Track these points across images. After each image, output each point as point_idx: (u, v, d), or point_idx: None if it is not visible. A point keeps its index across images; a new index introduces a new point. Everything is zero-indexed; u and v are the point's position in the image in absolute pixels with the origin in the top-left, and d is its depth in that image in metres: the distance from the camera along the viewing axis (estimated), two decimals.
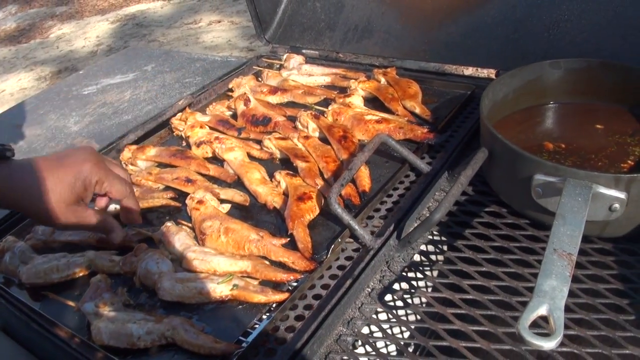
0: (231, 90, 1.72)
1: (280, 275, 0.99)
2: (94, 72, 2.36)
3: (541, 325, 0.72)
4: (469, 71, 1.60)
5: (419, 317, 0.93)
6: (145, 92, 2.04)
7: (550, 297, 0.67)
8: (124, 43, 9.22)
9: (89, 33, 10.37)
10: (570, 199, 0.87)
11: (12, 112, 2.21)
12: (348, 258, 1.04)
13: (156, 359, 0.91)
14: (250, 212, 1.21)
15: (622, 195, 0.93)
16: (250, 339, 0.90)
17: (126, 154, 1.41)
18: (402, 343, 0.89)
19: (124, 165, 1.42)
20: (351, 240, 1.08)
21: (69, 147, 1.78)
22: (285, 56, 1.84)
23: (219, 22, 9.02)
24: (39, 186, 0.96)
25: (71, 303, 1.03)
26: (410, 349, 0.88)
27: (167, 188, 1.29)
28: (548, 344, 0.63)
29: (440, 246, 1.09)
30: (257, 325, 0.93)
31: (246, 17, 9.05)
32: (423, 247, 1.09)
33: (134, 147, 1.43)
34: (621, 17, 1.44)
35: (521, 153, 1.02)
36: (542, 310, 0.66)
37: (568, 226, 0.81)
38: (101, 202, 1.10)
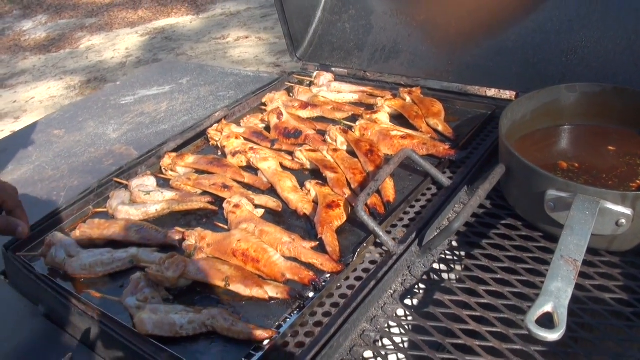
0: (264, 104, 1.82)
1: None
2: (131, 84, 2.49)
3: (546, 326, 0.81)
4: (490, 92, 1.68)
5: (437, 317, 1.01)
6: (181, 104, 2.15)
7: (556, 296, 0.76)
8: (153, 55, 9.40)
9: (118, 45, 10.56)
10: (579, 212, 0.95)
11: (51, 118, 2.34)
12: (372, 262, 1.13)
13: (197, 345, 1.01)
14: (282, 218, 1.30)
15: (628, 211, 1.01)
16: (282, 330, 0.99)
17: (166, 160, 1.52)
18: (420, 340, 0.97)
19: (163, 171, 1.52)
20: (376, 246, 1.17)
21: (108, 153, 1.89)
22: (315, 73, 1.94)
23: (247, 37, 9.18)
24: None
25: (114, 297, 1.13)
26: (428, 346, 0.97)
27: (205, 193, 1.39)
28: (552, 336, 0.71)
29: (458, 254, 1.17)
30: (288, 319, 1.02)
31: (273, 34, 9.18)
32: (442, 255, 1.18)
33: (173, 154, 1.54)
34: (635, 45, 1.52)
35: (536, 170, 1.10)
36: (548, 308, 0.75)
37: (575, 236, 0.89)
38: None
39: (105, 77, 9.08)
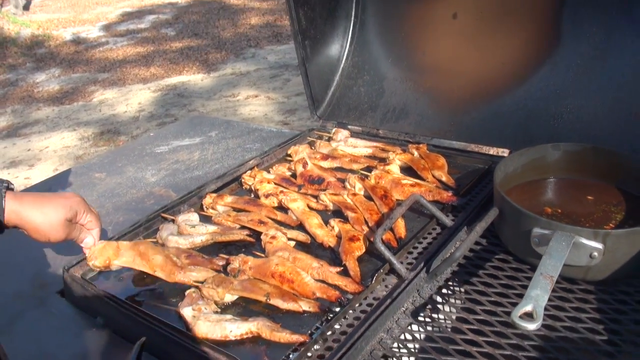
0: (289, 155, 2.08)
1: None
2: (164, 135, 2.75)
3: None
4: (487, 150, 1.93)
5: (441, 329, 1.23)
6: (212, 154, 2.41)
7: (535, 300, 0.98)
8: (166, 111, 9.71)
9: (131, 99, 10.86)
10: (557, 243, 1.19)
11: (91, 163, 2.59)
12: (387, 285, 1.35)
13: (244, 347, 1.22)
14: (310, 249, 1.53)
15: (599, 245, 1.24)
16: (314, 336, 1.21)
17: (207, 199, 1.76)
18: (429, 346, 1.18)
19: (205, 209, 1.76)
20: (390, 273, 1.39)
21: (149, 194, 2.13)
22: (334, 130, 2.20)
23: (256, 96, 9.54)
24: (46, 209, 1.35)
25: (171, 307, 1.35)
26: (435, 351, 1.18)
27: (243, 227, 1.63)
28: (531, 326, 0.93)
29: (459, 280, 1.39)
30: (318, 328, 1.24)
31: (281, 94, 9.55)
32: (446, 281, 1.40)
33: (214, 195, 1.78)
34: (613, 110, 1.79)
35: (524, 211, 1.34)
36: (529, 307, 0.97)
37: (552, 259, 1.12)
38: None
39: (119, 130, 9.32)
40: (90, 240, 1.48)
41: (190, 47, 14.76)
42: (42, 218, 1.34)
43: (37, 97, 12.29)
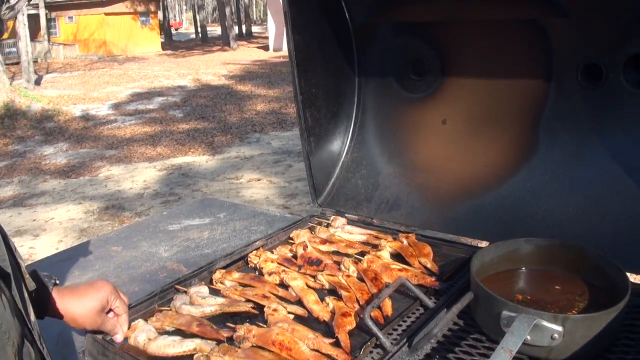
0: (291, 238, 2.30)
1: None
2: (176, 214, 2.98)
3: None
4: (469, 241, 2.15)
5: None
6: (220, 234, 2.63)
7: None
8: (170, 189, 9.95)
9: (136, 177, 11.12)
10: (519, 323, 1.39)
11: (107, 237, 2.80)
12: (374, 357, 1.53)
13: None
14: (307, 322, 1.72)
15: (559, 328, 1.43)
16: None
17: (217, 274, 1.96)
18: None
19: (214, 283, 1.96)
20: (376, 346, 1.58)
21: (162, 268, 2.33)
22: (332, 217, 2.43)
23: (259, 180, 9.84)
24: (83, 301, 1.56)
25: None
26: None
27: (248, 300, 1.82)
28: None
29: (438, 356, 1.58)
30: None
31: (283, 178, 9.85)
32: (426, 356, 1.58)
33: (223, 270, 1.99)
34: (581, 211, 2.01)
35: (494, 296, 1.54)
36: None
37: (513, 336, 1.32)
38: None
39: (123, 205, 9.52)
40: (120, 336, 1.66)
41: (196, 129, 15.22)
42: (80, 309, 1.55)
43: (45, 169, 12.55)
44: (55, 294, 1.51)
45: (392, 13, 2.46)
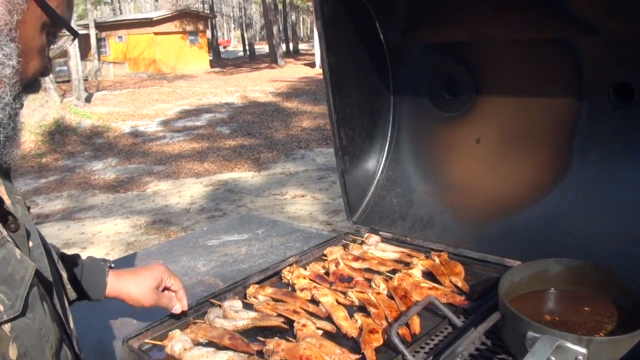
0: (325, 255, 2.34)
1: None
2: (216, 230, 3.08)
3: None
4: (501, 260, 2.16)
5: None
6: (257, 249, 2.70)
7: None
8: (216, 205, 10.13)
9: (183, 192, 11.36)
10: (542, 344, 1.39)
11: (150, 250, 2.91)
12: None
13: None
14: (336, 338, 1.76)
15: (584, 350, 1.43)
16: None
17: (251, 289, 2.03)
18: None
19: (247, 297, 2.03)
20: None
21: (199, 282, 2.42)
22: (366, 235, 2.47)
23: (303, 196, 9.92)
24: (137, 280, 1.71)
25: None
26: None
27: (279, 315, 1.88)
28: None
29: None
30: None
31: (327, 195, 9.91)
32: None
33: (257, 286, 2.05)
34: (613, 231, 1.99)
35: (520, 316, 1.55)
36: None
37: (534, 358, 1.33)
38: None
39: (170, 220, 9.74)
40: (178, 308, 1.81)
41: (243, 146, 15.47)
42: (136, 288, 1.69)
43: (93, 184, 12.97)
44: (112, 275, 1.66)
45: (425, 33, 2.51)
